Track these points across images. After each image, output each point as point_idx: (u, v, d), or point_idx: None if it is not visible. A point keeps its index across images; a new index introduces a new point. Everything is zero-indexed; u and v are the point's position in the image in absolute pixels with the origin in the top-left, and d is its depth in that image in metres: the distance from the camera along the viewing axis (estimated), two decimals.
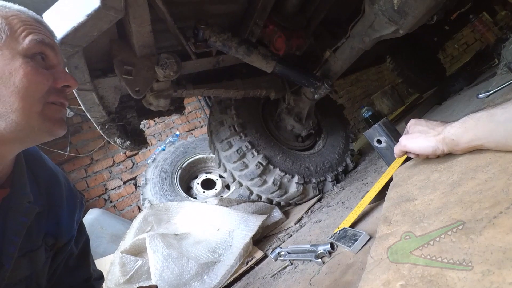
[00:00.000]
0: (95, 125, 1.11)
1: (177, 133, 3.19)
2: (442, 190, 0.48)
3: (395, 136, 0.85)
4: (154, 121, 3.16)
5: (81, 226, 0.76)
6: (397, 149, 0.62)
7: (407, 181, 0.61)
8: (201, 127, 3.43)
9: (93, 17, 0.68)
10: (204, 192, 2.08)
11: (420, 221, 0.43)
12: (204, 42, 1.04)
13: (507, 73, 1.33)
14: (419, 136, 0.56)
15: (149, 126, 3.16)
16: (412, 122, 0.59)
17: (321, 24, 1.45)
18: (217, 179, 2.17)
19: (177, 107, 1.47)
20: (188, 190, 2.09)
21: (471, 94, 1.57)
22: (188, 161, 2.19)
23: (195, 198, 2.03)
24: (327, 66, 1.36)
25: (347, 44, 1.22)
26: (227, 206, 1.33)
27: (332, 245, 0.69)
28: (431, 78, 2.94)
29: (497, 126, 0.42)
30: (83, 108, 1.01)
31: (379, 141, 0.87)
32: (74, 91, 0.89)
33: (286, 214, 1.41)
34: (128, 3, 0.73)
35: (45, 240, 0.62)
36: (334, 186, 1.47)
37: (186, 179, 2.16)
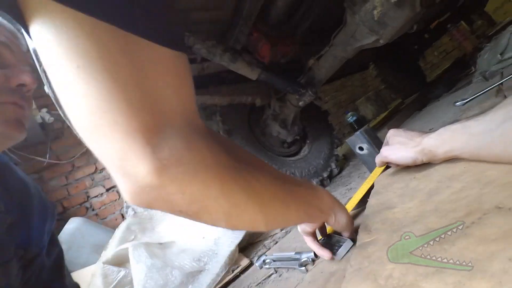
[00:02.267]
0: None
1: None
2: (419, 198, 0.49)
3: (376, 143, 0.87)
4: None
5: (54, 237, 0.73)
6: (378, 160, 0.64)
7: (387, 188, 0.63)
8: None
9: None
10: None
11: (398, 230, 0.44)
12: (188, 49, 1.04)
13: (482, 81, 1.39)
14: (399, 147, 0.58)
15: None
16: (391, 132, 0.61)
17: (306, 32, 1.47)
18: None
19: None
20: None
21: (449, 100, 1.63)
22: None
23: None
24: (311, 74, 1.38)
25: (330, 52, 1.25)
26: None
27: (315, 253, 0.69)
28: (412, 84, 3.04)
29: (471, 138, 0.44)
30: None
31: (361, 148, 0.89)
32: None
33: None
34: None
35: (15, 251, 0.60)
36: None
37: None
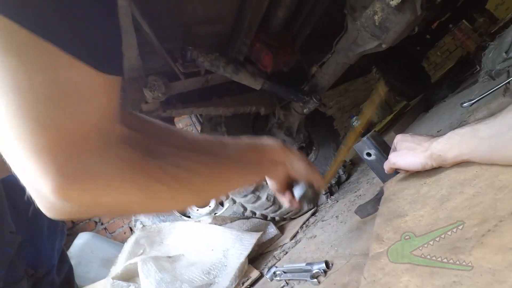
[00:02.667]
0: None
1: None
2: (431, 205, 0.48)
3: (384, 148, 0.86)
4: None
5: (63, 254, 0.74)
6: (387, 166, 0.63)
7: (397, 195, 0.62)
8: None
9: None
10: (197, 210, 2.05)
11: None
12: (192, 62, 1.05)
13: (488, 80, 1.37)
14: (407, 153, 0.57)
15: None
16: (399, 138, 0.60)
17: (307, 39, 1.48)
18: None
19: None
20: None
21: (455, 101, 1.61)
22: None
23: (189, 217, 1.99)
24: (314, 81, 1.38)
25: (332, 59, 1.25)
26: (221, 225, 1.30)
27: (327, 263, 0.68)
28: (416, 86, 3.01)
29: (481, 142, 0.43)
30: None
31: (368, 154, 0.88)
32: None
33: (281, 229, 1.40)
34: None
35: (26, 270, 0.61)
36: (328, 199, 1.47)
37: None
